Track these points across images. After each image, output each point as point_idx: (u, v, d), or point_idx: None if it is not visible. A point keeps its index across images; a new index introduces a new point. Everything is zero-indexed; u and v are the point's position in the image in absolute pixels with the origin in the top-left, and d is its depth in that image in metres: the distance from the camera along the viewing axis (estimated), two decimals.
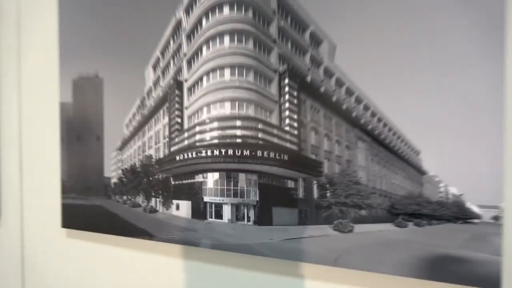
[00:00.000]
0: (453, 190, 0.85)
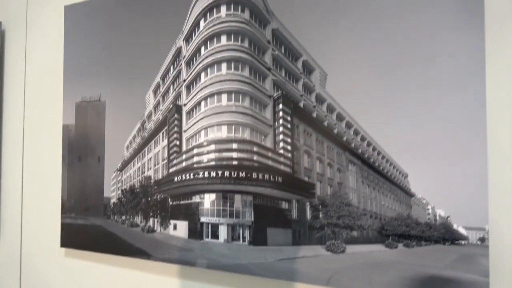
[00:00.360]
0: (440, 212, 0.85)
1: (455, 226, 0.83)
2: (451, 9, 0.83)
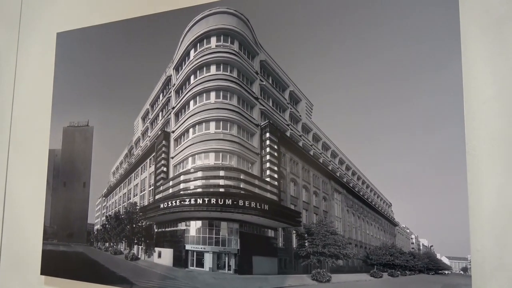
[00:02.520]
0: (424, 242, 0.85)
1: (438, 256, 0.83)
2: (431, 50, 0.86)
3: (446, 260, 0.82)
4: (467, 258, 0.79)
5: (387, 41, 0.91)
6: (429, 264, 0.84)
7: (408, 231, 0.87)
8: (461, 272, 0.80)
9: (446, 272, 0.82)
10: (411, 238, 0.87)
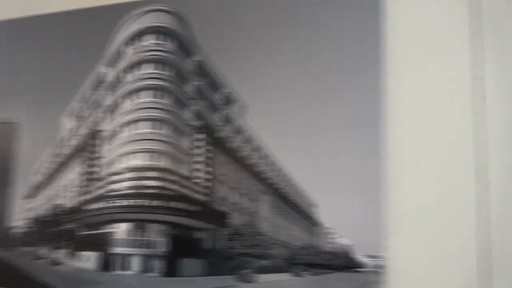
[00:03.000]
0: (344, 241, 0.88)
1: (357, 255, 0.86)
2: (355, 54, 0.90)
3: (365, 259, 0.86)
4: (382, 256, 0.83)
5: (320, 44, 0.93)
6: (348, 263, 0.87)
7: (330, 231, 0.90)
8: (377, 269, 0.83)
9: (364, 270, 0.86)
10: (332, 237, 0.90)
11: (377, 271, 0.85)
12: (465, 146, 0.86)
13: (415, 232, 0.85)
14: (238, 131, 1.14)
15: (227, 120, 1.16)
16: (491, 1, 0.88)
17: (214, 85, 1.12)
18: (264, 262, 1.07)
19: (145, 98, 1.16)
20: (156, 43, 1.15)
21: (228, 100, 1.11)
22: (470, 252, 0.82)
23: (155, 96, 1.16)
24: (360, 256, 0.87)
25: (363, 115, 0.87)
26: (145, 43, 1.17)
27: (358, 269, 0.87)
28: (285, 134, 0.95)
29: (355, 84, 0.90)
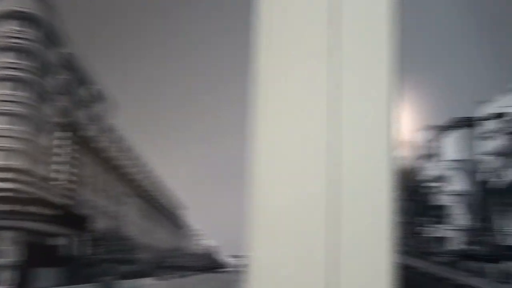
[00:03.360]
0: (210, 243, 0.90)
1: (222, 255, 0.89)
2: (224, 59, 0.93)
3: (231, 259, 0.89)
4: (246, 256, 0.87)
5: (193, 47, 0.95)
6: (213, 264, 0.89)
7: (198, 233, 0.91)
8: (241, 269, 0.87)
9: (230, 269, 0.89)
10: (200, 239, 0.92)
11: (240, 270, 0.89)
12: (320, 148, 0.95)
13: (276, 231, 0.91)
14: (107, 130, 1.08)
15: (96, 118, 1.09)
16: (350, 12, 1.01)
17: (82, 80, 1.04)
18: (128, 267, 1.02)
19: (2, 90, 1.02)
20: (20, 30, 1.03)
21: (98, 97, 1.04)
22: (319, 250, 0.91)
23: (13, 89, 1.03)
24: (225, 256, 0.89)
25: (232, 121, 0.91)
26: (8, 29, 1.03)
27: (223, 270, 0.90)
28: (158, 136, 0.94)
29: (224, 88, 0.93)
